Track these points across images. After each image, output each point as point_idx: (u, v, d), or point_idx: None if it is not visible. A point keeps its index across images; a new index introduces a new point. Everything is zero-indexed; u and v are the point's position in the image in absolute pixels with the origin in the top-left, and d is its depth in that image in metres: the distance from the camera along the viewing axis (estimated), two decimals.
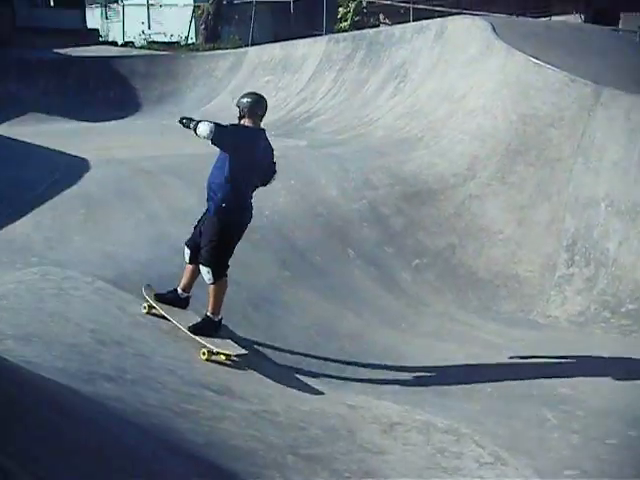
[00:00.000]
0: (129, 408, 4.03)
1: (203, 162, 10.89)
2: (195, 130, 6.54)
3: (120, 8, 36.74)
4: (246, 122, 6.58)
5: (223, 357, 5.69)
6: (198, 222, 6.36)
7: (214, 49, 26.27)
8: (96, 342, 5.17)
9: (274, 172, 6.85)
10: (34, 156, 12.20)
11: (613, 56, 12.53)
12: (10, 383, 2.78)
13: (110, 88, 21.46)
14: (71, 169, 10.68)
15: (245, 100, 6.66)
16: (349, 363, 6.23)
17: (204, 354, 5.66)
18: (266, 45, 22.45)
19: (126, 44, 30.58)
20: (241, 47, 25.63)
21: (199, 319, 5.99)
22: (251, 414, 4.63)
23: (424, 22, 15.42)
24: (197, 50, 26.74)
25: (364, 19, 31.49)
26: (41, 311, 5.56)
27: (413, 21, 22.25)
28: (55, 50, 23.99)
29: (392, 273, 8.17)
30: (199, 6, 32.75)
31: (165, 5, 36.03)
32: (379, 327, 7.13)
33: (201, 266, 5.98)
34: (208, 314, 5.95)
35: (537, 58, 10.55)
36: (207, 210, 6.28)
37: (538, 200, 8.94)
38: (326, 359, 6.22)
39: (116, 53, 25.04)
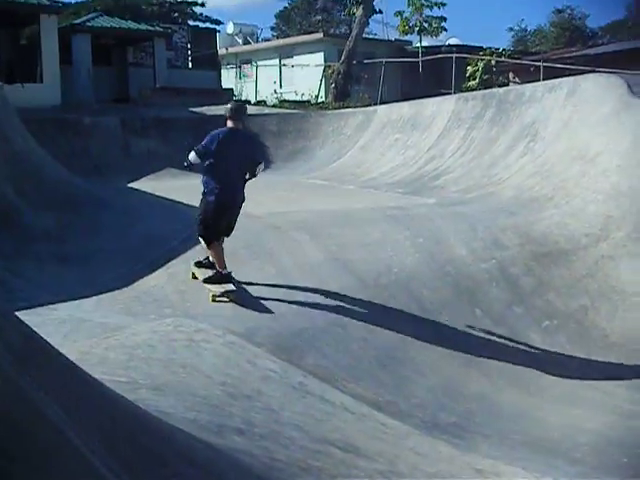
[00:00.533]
0: (257, 462, 4.08)
1: (331, 218, 11.17)
2: (189, 160, 8.55)
3: (253, 68, 37.91)
4: (229, 123, 8.51)
5: (226, 299, 7.75)
6: None
7: (344, 107, 26.72)
8: (226, 395, 5.26)
9: (258, 162, 8.62)
10: (169, 210, 12.66)
11: None
12: (143, 432, 2.88)
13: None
14: None
15: (229, 107, 8.76)
16: (477, 425, 6.12)
17: (212, 298, 7.80)
18: (395, 103, 22.69)
19: (259, 102, 31.44)
20: (370, 105, 25.94)
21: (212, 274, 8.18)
22: (377, 473, 4.61)
23: (555, 81, 15.27)
24: (327, 108, 27.24)
25: (493, 77, 31.31)
26: (173, 362, 5.70)
27: (543, 79, 22.04)
28: (191, 109, 24.94)
29: (521, 334, 8.00)
30: (329, 66, 33.43)
31: (297, 65, 36.95)
32: (507, 389, 6.98)
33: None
34: (217, 269, 8.12)
35: None
36: None
37: None
38: (453, 420, 6.13)
39: (249, 111, 25.72)
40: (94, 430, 2.10)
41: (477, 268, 8.97)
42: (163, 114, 22.93)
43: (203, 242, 8.30)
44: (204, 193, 8.44)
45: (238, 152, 8.31)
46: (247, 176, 8.44)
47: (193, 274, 8.44)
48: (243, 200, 8.45)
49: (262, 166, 8.68)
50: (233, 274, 8.14)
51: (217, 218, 8.21)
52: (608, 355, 7.81)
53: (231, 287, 7.83)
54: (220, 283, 7.94)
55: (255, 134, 10.24)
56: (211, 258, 8.30)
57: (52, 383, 2.04)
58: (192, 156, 8.48)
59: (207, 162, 8.34)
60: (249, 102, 31.27)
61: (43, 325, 5.75)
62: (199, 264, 8.51)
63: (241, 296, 7.79)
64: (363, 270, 8.52)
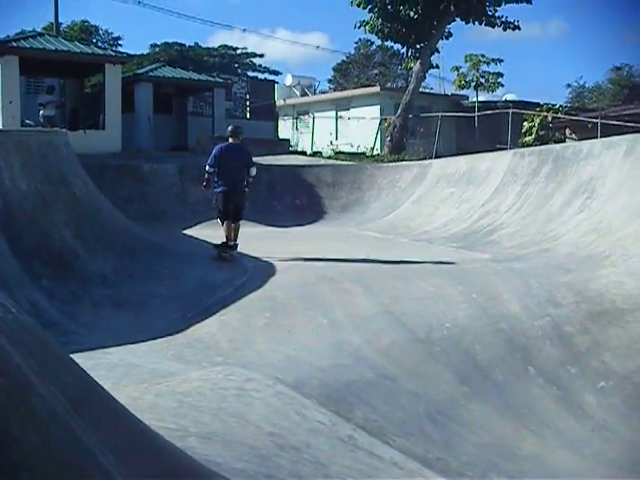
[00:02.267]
0: None
1: (384, 270, 11.17)
2: (207, 172, 12.75)
3: (310, 120, 38.34)
4: (230, 140, 12.90)
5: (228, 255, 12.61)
6: None
7: (399, 160, 26.87)
8: (275, 446, 5.24)
9: (251, 165, 12.94)
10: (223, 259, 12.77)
11: None
12: None
13: (297, 195, 22.26)
14: (258, 272, 11.11)
15: (229, 128, 13.20)
16: None
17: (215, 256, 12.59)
18: (450, 158, 22.73)
19: (314, 154, 31.74)
20: (425, 159, 26.05)
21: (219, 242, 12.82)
22: None
23: (614, 138, 15.16)
24: (382, 161, 27.41)
25: (549, 133, 31.24)
26: (223, 411, 5.70)
27: (601, 136, 21.92)
28: None
29: (575, 394, 7.84)
30: (385, 119, 33.68)
31: (353, 117, 37.28)
32: (560, 451, 6.83)
33: None
34: (226, 240, 12.67)
35: None
36: None
37: None
38: None
39: (304, 162, 26.03)
40: (145, 477, 2.11)
41: (531, 325, 8.85)
42: None
43: (219, 221, 12.89)
44: (214, 189, 12.74)
45: (235, 159, 12.69)
46: (247, 177, 12.91)
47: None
48: (242, 192, 12.90)
49: (254, 169, 12.94)
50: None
51: (224, 204, 12.61)
52: None
53: (227, 252, 12.61)
54: (225, 250, 12.63)
55: (247, 149, 13.41)
56: (224, 233, 12.67)
57: (105, 428, 2.06)
58: (208, 169, 12.62)
59: (218, 167, 12.49)
60: (305, 153, 31.64)
61: (95, 369, 5.80)
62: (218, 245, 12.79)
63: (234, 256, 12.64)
64: (415, 324, 8.46)
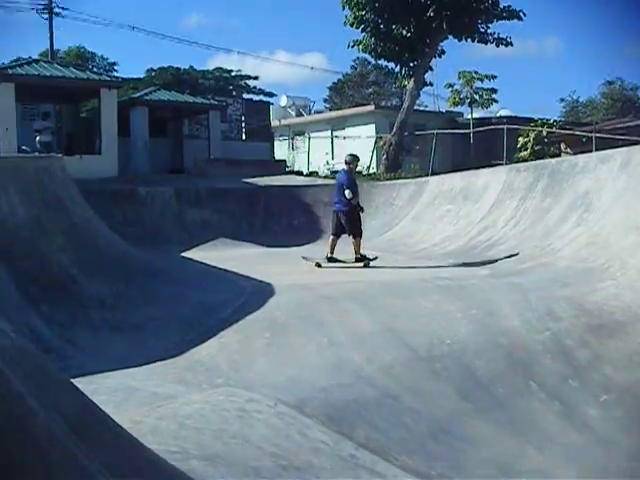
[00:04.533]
0: None
1: (383, 289, 11.15)
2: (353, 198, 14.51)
3: (306, 140, 38.42)
4: (345, 167, 15.17)
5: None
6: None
7: (395, 178, 26.93)
8: (277, 466, 5.22)
9: (346, 188, 14.47)
10: (222, 280, 12.77)
11: None
12: None
13: (294, 216, 22.31)
14: (256, 293, 11.09)
15: (346, 158, 15.36)
16: None
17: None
18: (446, 175, 22.78)
19: (311, 174, 31.80)
20: (421, 176, 26.11)
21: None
22: None
23: (609, 151, 15.20)
24: (378, 179, 27.47)
25: (544, 148, 31.35)
26: (225, 432, 5.68)
27: (596, 150, 22.00)
28: (244, 180, 25.33)
29: (577, 408, 7.82)
30: (381, 137, 33.79)
31: (348, 137, 37.38)
32: (564, 465, 6.80)
33: None
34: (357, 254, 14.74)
35: None
36: None
37: None
38: None
39: (301, 182, 26.11)
40: None
41: (531, 339, 8.84)
42: (216, 185, 23.35)
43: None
44: None
45: (338, 183, 15.08)
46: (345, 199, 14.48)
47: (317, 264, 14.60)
48: (342, 211, 14.60)
49: (347, 191, 14.34)
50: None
51: (332, 221, 15.35)
52: None
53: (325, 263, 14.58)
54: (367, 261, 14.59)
55: (347, 174, 15.04)
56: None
57: (107, 452, 2.05)
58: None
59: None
60: (301, 173, 31.71)
61: (96, 393, 5.78)
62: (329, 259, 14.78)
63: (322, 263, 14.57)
64: (415, 341, 8.45)
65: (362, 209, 14.98)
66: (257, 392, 6.81)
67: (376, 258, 14.72)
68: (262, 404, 6.54)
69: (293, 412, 6.47)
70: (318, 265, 14.47)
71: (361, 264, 14.47)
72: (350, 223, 14.53)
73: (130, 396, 6.48)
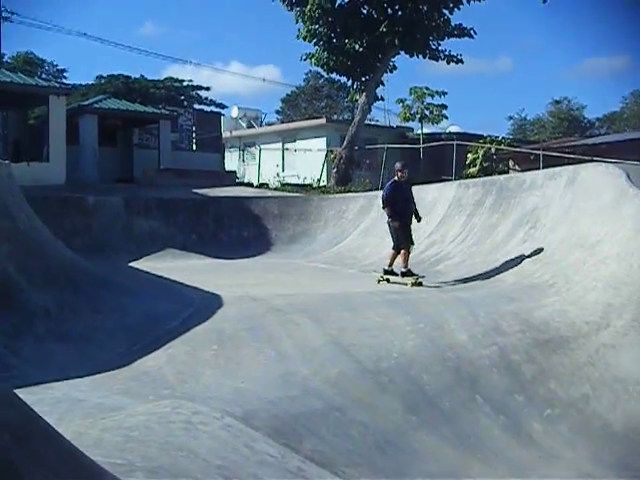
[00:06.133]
0: None
1: (332, 302, 11.16)
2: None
3: (257, 151, 38.39)
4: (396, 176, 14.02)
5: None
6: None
7: (345, 192, 27.04)
8: (223, 479, 5.19)
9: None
10: (170, 291, 12.67)
11: None
12: None
13: (244, 227, 22.26)
14: (204, 304, 11.02)
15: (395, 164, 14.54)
16: None
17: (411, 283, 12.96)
18: None
19: (261, 185, 31.79)
20: (371, 190, 26.25)
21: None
22: None
23: (556, 169, 15.46)
24: (328, 192, 27.56)
25: (493, 165, 31.77)
26: (170, 444, 5.62)
27: (543, 167, 22.35)
28: (194, 190, 25.21)
29: (522, 423, 7.90)
30: (332, 150, 33.91)
31: (299, 150, 37.43)
32: (509, 478, 6.87)
33: None
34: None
35: None
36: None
37: None
38: None
39: (251, 194, 26.06)
40: None
41: (478, 354, 8.92)
42: (166, 195, 23.19)
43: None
44: None
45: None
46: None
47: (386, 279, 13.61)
48: (388, 223, 13.75)
49: (379, 201, 14.08)
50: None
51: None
52: (611, 445, 7.71)
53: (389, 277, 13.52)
54: (409, 275, 13.25)
55: (386, 184, 14.46)
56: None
57: (50, 464, 2.01)
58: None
59: None
60: (252, 185, 31.67)
61: (39, 404, 5.68)
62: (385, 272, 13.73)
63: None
64: (363, 354, 8.47)
65: (396, 219, 13.50)
66: (204, 404, 6.76)
67: (423, 277, 13.37)
68: (209, 416, 6.49)
69: (240, 424, 6.42)
70: (379, 280, 13.64)
71: (408, 280, 13.18)
72: (392, 235, 13.75)
73: (74, 407, 6.37)
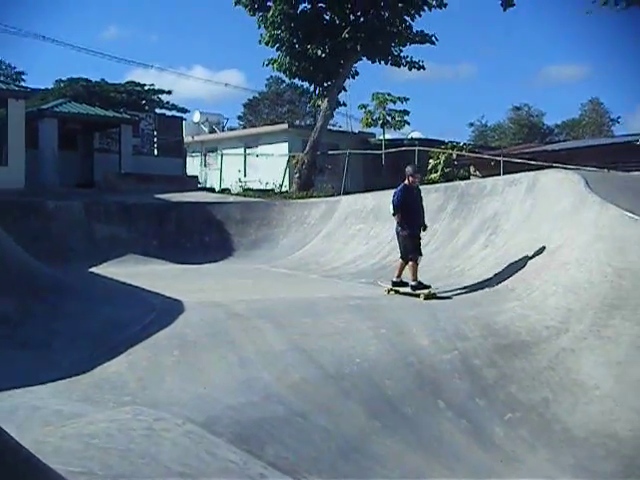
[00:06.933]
0: None
1: (294, 307, 11.15)
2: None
3: (219, 157, 38.26)
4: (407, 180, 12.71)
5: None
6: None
7: (307, 197, 27.07)
8: None
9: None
10: (131, 296, 12.55)
11: None
12: None
13: (206, 232, 22.17)
14: (166, 310, 10.93)
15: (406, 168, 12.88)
16: None
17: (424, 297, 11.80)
18: (358, 194, 22.96)
19: (223, 190, 31.70)
20: (333, 195, 26.31)
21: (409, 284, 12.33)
22: None
23: (516, 175, 15.61)
24: (291, 198, 27.57)
25: (454, 170, 32.02)
26: (132, 452, 5.56)
27: (504, 173, 22.55)
28: (156, 195, 25.06)
29: (484, 426, 7.95)
30: (294, 156, 33.94)
31: (261, 155, 37.37)
32: None
33: None
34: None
35: (632, 212, 10.49)
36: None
37: (636, 356, 8.66)
38: None
39: (213, 199, 25.97)
40: None
41: (440, 359, 8.96)
42: (127, 200, 23.03)
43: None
44: None
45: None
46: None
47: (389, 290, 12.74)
48: (395, 230, 12.89)
49: (391, 207, 12.58)
50: None
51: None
52: (571, 449, 7.78)
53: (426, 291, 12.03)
54: (419, 288, 12.13)
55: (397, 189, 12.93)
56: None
57: (8, 474, 1.98)
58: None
59: None
60: (214, 190, 31.57)
61: None
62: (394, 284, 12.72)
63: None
64: (325, 360, 8.47)
65: (405, 229, 12.55)
66: (165, 410, 6.70)
67: (429, 286, 12.31)
68: (170, 423, 6.44)
69: (202, 431, 6.38)
70: (388, 291, 12.76)
71: (420, 292, 12.10)
72: (400, 245, 12.81)
73: (33, 415, 6.29)
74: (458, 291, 11.98)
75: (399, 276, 12.64)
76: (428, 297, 11.81)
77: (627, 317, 9.18)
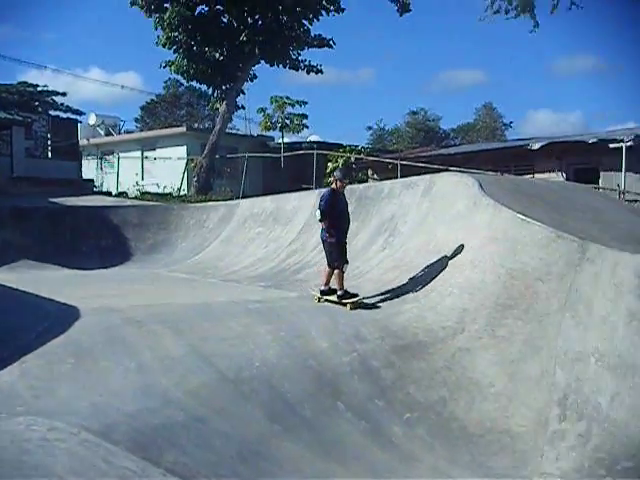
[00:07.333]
0: None
1: (193, 312, 11.03)
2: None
3: (115, 160, 37.64)
4: (334, 185, 12.14)
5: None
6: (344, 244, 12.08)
7: (206, 200, 26.90)
8: None
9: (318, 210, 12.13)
10: (25, 303, 12.19)
11: (596, 212, 12.87)
12: None
13: (103, 237, 21.76)
14: (61, 317, 10.64)
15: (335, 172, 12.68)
16: None
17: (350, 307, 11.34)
18: (257, 198, 22.93)
19: (120, 194, 31.23)
20: (232, 199, 26.21)
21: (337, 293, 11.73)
22: None
23: (413, 178, 15.85)
24: (189, 201, 27.36)
25: (352, 174, 32.30)
26: (25, 464, 5.40)
27: (401, 176, 22.92)
28: (50, 199, 24.46)
29: (383, 427, 8.04)
30: (192, 159, 33.68)
31: (159, 158, 36.94)
32: None
33: None
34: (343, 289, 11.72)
35: (524, 214, 10.79)
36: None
37: (528, 354, 8.92)
38: None
39: (110, 203, 25.50)
40: None
41: (339, 361, 9.02)
42: (20, 204, 22.35)
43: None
44: None
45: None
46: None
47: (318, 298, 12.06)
48: (321, 237, 12.22)
49: (318, 212, 11.94)
50: None
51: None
52: (467, 446, 7.94)
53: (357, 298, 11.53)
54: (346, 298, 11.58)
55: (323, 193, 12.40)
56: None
57: None
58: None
59: None
60: (110, 194, 31.02)
61: None
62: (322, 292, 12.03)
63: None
64: (224, 364, 8.41)
65: (332, 235, 11.83)
66: (60, 420, 6.53)
67: (357, 295, 11.67)
68: (65, 432, 6.27)
69: (98, 439, 6.24)
70: (319, 299, 12.04)
71: (347, 301, 11.52)
72: (325, 251, 12.19)
73: None
74: (358, 293, 12.06)
75: (327, 284, 11.99)
76: (355, 306, 11.32)
77: (519, 316, 9.45)
